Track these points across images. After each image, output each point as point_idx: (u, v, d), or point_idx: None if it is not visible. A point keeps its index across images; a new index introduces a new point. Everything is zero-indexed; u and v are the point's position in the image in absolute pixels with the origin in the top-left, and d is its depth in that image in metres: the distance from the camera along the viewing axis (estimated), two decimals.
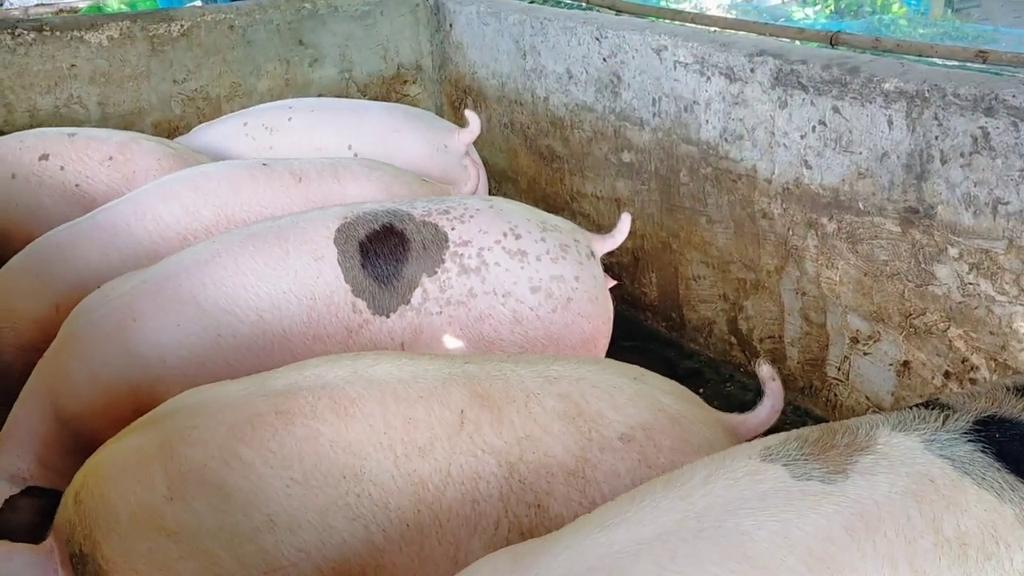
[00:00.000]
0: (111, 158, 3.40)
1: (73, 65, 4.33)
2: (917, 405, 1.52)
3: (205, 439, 1.77)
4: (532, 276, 2.40)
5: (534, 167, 4.49)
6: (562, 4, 4.69)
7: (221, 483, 1.72)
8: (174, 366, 2.30)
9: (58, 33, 4.28)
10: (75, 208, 3.24)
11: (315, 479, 1.72)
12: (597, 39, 3.84)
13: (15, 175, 3.38)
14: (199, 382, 2.02)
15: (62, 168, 3.38)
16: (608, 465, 1.74)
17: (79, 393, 2.34)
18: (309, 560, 1.71)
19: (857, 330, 3.02)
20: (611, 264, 3.90)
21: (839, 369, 3.13)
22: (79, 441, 2.23)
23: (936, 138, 2.63)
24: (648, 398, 1.83)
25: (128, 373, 2.31)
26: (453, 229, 2.42)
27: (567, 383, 1.84)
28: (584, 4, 4.53)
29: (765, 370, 1.93)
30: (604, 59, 3.83)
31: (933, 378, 2.80)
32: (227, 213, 2.91)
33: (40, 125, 4.15)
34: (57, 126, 4.03)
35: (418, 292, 2.37)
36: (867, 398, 3.05)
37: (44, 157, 3.39)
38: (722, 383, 3.55)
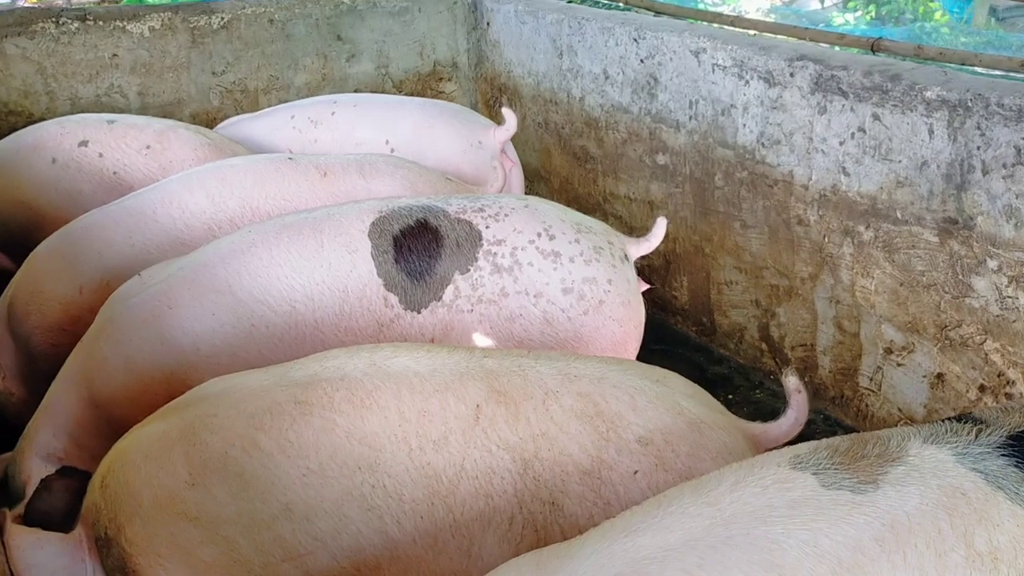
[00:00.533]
0: (148, 147, 3.44)
1: (115, 55, 4.38)
2: (950, 418, 1.50)
3: (226, 427, 1.79)
4: (565, 277, 2.39)
5: (567, 167, 4.49)
6: (600, 4, 4.68)
7: (240, 471, 1.75)
8: (208, 355, 2.32)
9: (101, 23, 4.34)
10: (113, 195, 3.28)
11: (331, 469, 1.74)
12: (635, 40, 3.82)
13: (55, 160, 3.43)
14: (232, 371, 2.04)
15: (101, 155, 3.42)
16: (624, 467, 1.74)
17: (114, 378, 2.38)
18: (325, 549, 1.73)
19: (891, 340, 2.98)
20: (642, 267, 3.88)
21: (871, 379, 3.09)
22: (112, 425, 2.26)
23: (978, 148, 2.59)
24: (668, 402, 1.83)
25: (162, 360, 2.33)
26: (487, 227, 2.42)
27: (587, 382, 1.83)
28: (622, 4, 4.51)
29: (791, 382, 1.92)
30: (641, 60, 3.81)
31: (967, 391, 2.76)
32: (252, 205, 2.94)
33: (81, 113, 4.21)
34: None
35: (450, 289, 2.37)
36: (899, 410, 3.01)
37: (84, 143, 3.44)
38: (752, 390, 3.52)
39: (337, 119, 3.75)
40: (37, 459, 2.43)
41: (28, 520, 2.04)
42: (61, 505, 1.97)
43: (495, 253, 2.39)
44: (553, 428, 1.76)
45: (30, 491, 2.18)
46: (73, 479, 2.02)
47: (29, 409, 2.62)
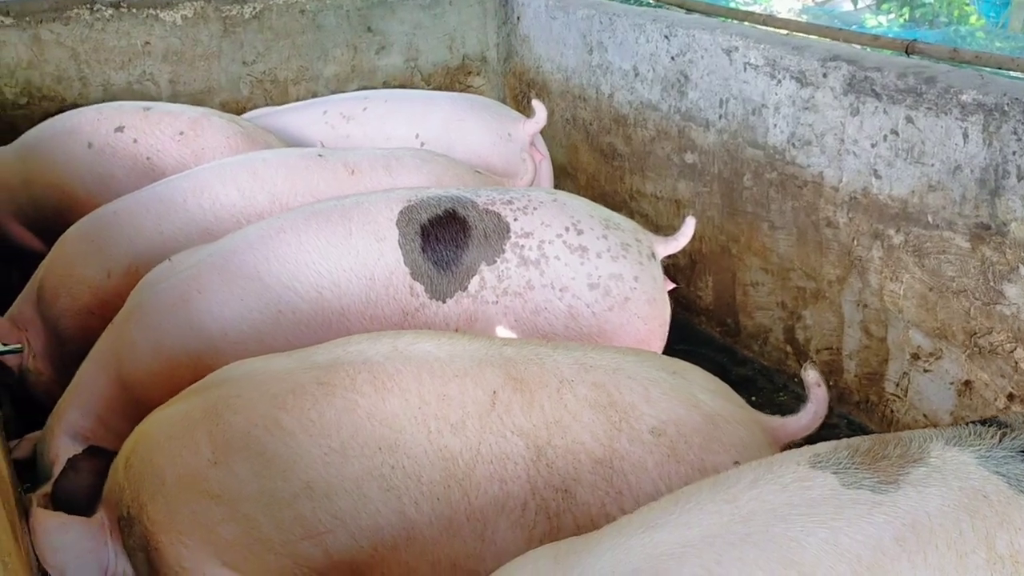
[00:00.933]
0: (182, 133, 3.48)
1: (147, 42, 4.42)
2: (974, 422, 1.49)
3: (249, 407, 1.82)
4: (591, 272, 2.39)
5: (594, 164, 4.47)
6: (631, 0, 4.65)
7: (263, 449, 1.77)
8: (235, 340, 2.34)
9: (134, 10, 4.38)
10: (145, 181, 3.32)
11: (352, 449, 1.76)
12: (666, 37, 3.81)
13: (91, 144, 3.49)
14: (257, 356, 2.05)
15: (135, 141, 3.47)
16: (636, 457, 1.76)
17: (142, 361, 2.41)
18: (344, 528, 1.75)
19: (918, 346, 2.95)
20: (667, 266, 3.81)
21: (897, 385, 3.06)
22: (140, 407, 2.29)
23: (1014, 153, 2.55)
24: (684, 394, 1.84)
25: (190, 344, 2.36)
26: (515, 220, 2.43)
27: (602, 372, 1.85)
28: (654, 1, 4.49)
29: (811, 375, 1.91)
30: (672, 58, 3.79)
31: (996, 400, 2.72)
32: (282, 201, 2.97)
33: (113, 100, 4.25)
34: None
35: (476, 279, 2.38)
36: (925, 416, 2.97)
37: (119, 129, 3.49)
38: (775, 392, 3.50)
39: (368, 114, 3.78)
40: (65, 438, 2.48)
41: (55, 498, 2.07)
42: (87, 484, 2.00)
43: (522, 246, 2.39)
44: (567, 416, 1.78)
45: (57, 470, 2.22)
46: (99, 459, 2.04)
47: (58, 389, 2.66)
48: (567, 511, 1.74)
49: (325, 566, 1.77)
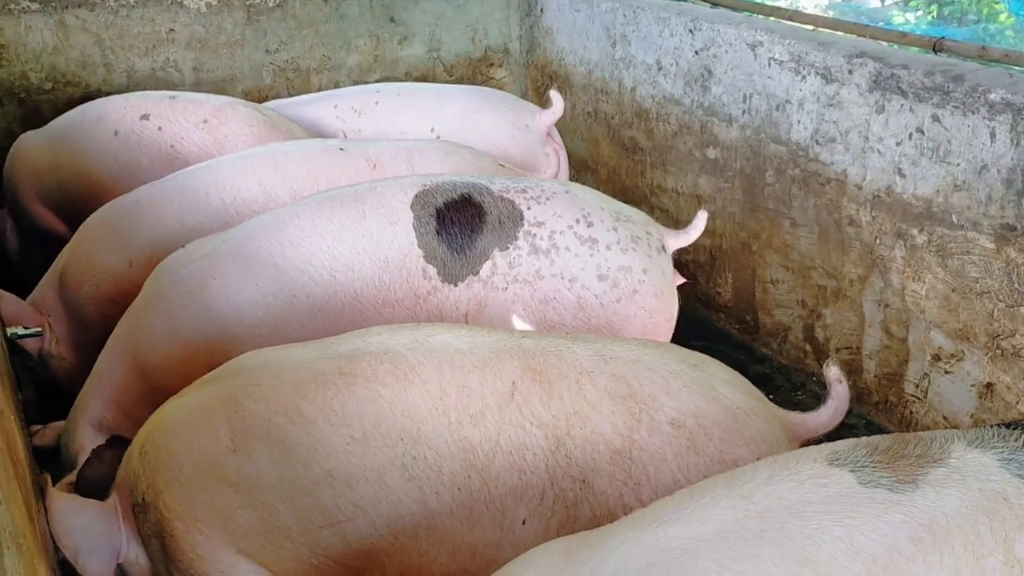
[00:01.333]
0: (205, 121, 3.50)
1: (171, 29, 4.44)
2: (997, 424, 1.46)
3: (269, 395, 1.83)
4: (600, 264, 2.39)
5: (615, 158, 4.45)
6: None
7: (283, 437, 1.78)
8: (250, 325, 2.35)
9: None
10: (169, 168, 3.34)
11: (374, 439, 1.77)
12: (690, 31, 3.78)
13: (118, 132, 3.53)
14: (272, 342, 2.07)
15: (160, 128, 3.50)
16: (655, 448, 1.75)
17: (159, 348, 2.42)
18: (364, 516, 1.76)
19: (940, 347, 2.91)
20: (687, 262, 3.84)
21: (917, 386, 3.03)
22: (157, 394, 2.30)
23: None
24: (704, 386, 1.83)
25: (206, 330, 2.37)
26: (529, 208, 2.43)
27: (622, 364, 1.84)
28: None
29: (833, 372, 1.90)
30: (696, 52, 3.76)
31: (1018, 403, 2.69)
32: (302, 195, 2.96)
33: (137, 86, 4.28)
34: (153, 88, 4.17)
35: (488, 265, 2.38)
36: (944, 418, 2.94)
37: (145, 117, 3.53)
38: (793, 391, 3.48)
39: (381, 108, 3.76)
40: (88, 428, 2.50)
41: (78, 487, 2.09)
42: (111, 473, 2.01)
43: (534, 234, 2.40)
44: (586, 407, 1.78)
45: (82, 460, 2.24)
46: (123, 449, 2.06)
47: (80, 375, 2.68)
48: (584, 501, 1.74)
49: (343, 554, 1.78)
